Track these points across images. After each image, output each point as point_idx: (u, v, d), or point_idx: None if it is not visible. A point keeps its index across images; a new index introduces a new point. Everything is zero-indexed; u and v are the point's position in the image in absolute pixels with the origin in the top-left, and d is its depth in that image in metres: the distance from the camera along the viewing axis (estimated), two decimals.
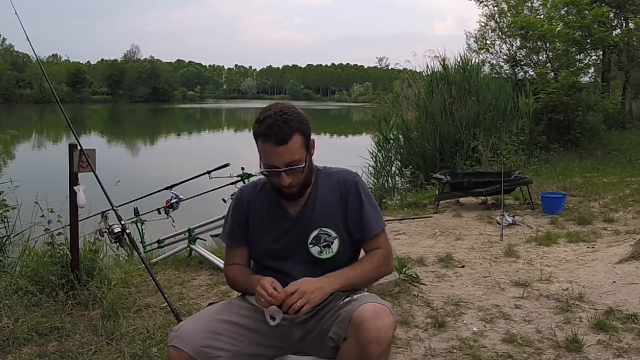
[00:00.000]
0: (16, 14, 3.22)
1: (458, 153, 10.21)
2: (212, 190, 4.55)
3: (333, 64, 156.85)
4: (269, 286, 1.69)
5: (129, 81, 79.24)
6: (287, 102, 1.81)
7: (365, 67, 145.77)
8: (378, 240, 1.86)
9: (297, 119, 1.72)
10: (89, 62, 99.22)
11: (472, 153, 9.97)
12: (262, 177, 1.84)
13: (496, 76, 13.85)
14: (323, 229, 1.81)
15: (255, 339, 1.77)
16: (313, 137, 1.81)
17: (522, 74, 14.17)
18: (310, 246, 1.81)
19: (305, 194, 1.83)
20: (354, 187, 1.84)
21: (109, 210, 3.36)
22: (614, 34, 13.89)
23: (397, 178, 10.92)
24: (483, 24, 15.16)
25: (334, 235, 1.81)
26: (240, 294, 1.95)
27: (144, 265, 3.11)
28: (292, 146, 1.70)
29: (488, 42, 14.88)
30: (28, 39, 3.23)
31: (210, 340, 1.69)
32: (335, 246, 1.81)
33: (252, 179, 4.07)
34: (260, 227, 1.87)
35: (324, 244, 1.81)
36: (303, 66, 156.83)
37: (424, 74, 12.49)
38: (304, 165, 1.73)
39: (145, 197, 4.59)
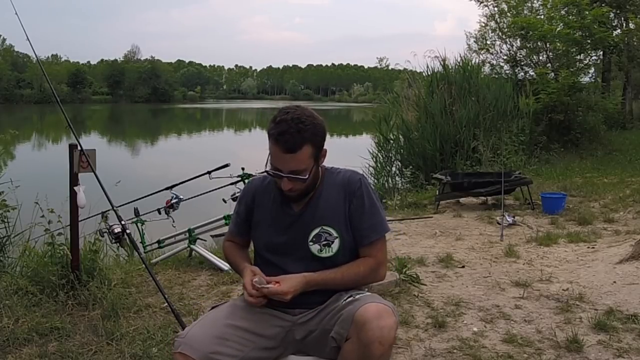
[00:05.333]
0: (16, 14, 3.23)
1: (458, 153, 10.22)
2: (212, 190, 4.56)
3: (333, 64, 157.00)
4: (250, 290, 1.74)
5: (129, 81, 79.20)
6: (307, 108, 1.77)
7: (365, 67, 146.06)
8: (371, 249, 1.83)
9: (312, 130, 1.70)
10: (89, 62, 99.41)
11: (472, 153, 9.98)
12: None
13: (496, 76, 13.86)
14: (324, 227, 1.81)
15: (259, 343, 1.76)
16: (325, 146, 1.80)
17: (522, 74, 14.20)
18: (311, 244, 1.81)
19: (308, 196, 1.84)
20: (358, 188, 1.82)
21: (109, 210, 3.36)
22: (614, 34, 13.89)
23: (397, 178, 10.92)
24: (483, 24, 15.22)
25: (335, 234, 1.81)
26: (241, 294, 1.95)
27: (144, 265, 3.11)
28: (300, 156, 1.69)
29: (488, 42, 14.92)
30: (28, 39, 3.23)
31: (218, 346, 1.67)
32: (335, 245, 1.81)
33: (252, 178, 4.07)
34: (264, 219, 1.89)
35: (324, 242, 1.81)
36: (303, 66, 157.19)
37: (424, 74, 12.52)
38: (306, 176, 1.73)
39: (145, 197, 4.59)
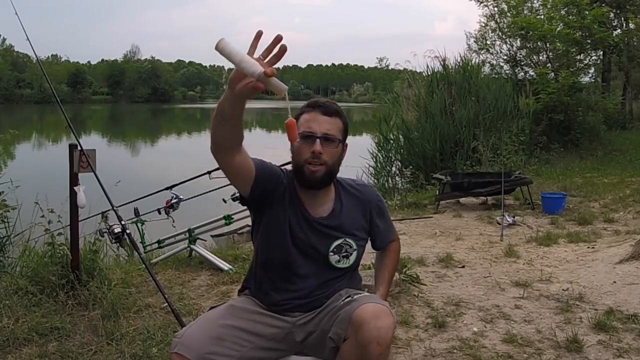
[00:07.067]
0: (16, 14, 3.23)
1: (458, 153, 10.21)
2: (212, 190, 4.55)
3: (333, 64, 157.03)
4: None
5: (129, 81, 79.19)
6: None
7: (365, 67, 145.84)
8: (392, 240, 2.07)
9: (342, 111, 1.86)
10: (89, 62, 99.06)
11: (472, 153, 9.97)
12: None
13: (496, 76, 13.87)
14: (347, 239, 1.84)
15: (257, 343, 1.75)
16: None
17: (522, 74, 14.20)
18: (331, 254, 1.82)
19: (326, 192, 1.83)
20: (379, 201, 1.97)
21: (109, 210, 3.36)
22: (614, 34, 13.90)
23: (397, 178, 10.90)
24: (483, 24, 15.22)
25: (354, 246, 1.85)
26: (239, 293, 1.96)
27: (144, 265, 3.11)
28: (334, 121, 1.79)
29: (488, 42, 14.92)
30: (28, 39, 3.23)
31: (214, 347, 1.66)
32: (353, 258, 1.85)
33: None
34: (280, 218, 1.80)
35: (344, 254, 1.84)
36: (303, 66, 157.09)
37: (423, 74, 12.52)
38: (339, 139, 1.79)
39: (145, 197, 4.59)
